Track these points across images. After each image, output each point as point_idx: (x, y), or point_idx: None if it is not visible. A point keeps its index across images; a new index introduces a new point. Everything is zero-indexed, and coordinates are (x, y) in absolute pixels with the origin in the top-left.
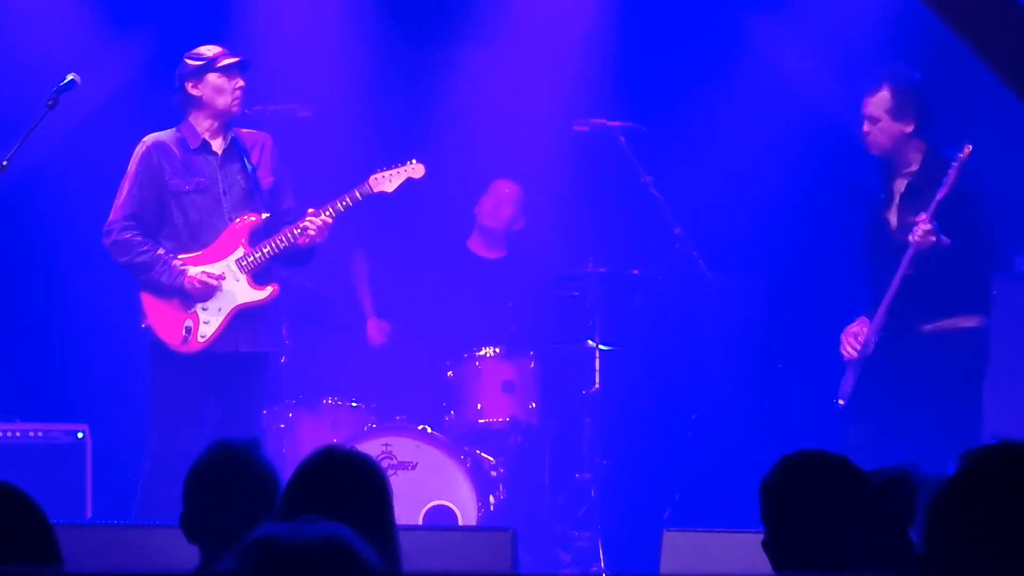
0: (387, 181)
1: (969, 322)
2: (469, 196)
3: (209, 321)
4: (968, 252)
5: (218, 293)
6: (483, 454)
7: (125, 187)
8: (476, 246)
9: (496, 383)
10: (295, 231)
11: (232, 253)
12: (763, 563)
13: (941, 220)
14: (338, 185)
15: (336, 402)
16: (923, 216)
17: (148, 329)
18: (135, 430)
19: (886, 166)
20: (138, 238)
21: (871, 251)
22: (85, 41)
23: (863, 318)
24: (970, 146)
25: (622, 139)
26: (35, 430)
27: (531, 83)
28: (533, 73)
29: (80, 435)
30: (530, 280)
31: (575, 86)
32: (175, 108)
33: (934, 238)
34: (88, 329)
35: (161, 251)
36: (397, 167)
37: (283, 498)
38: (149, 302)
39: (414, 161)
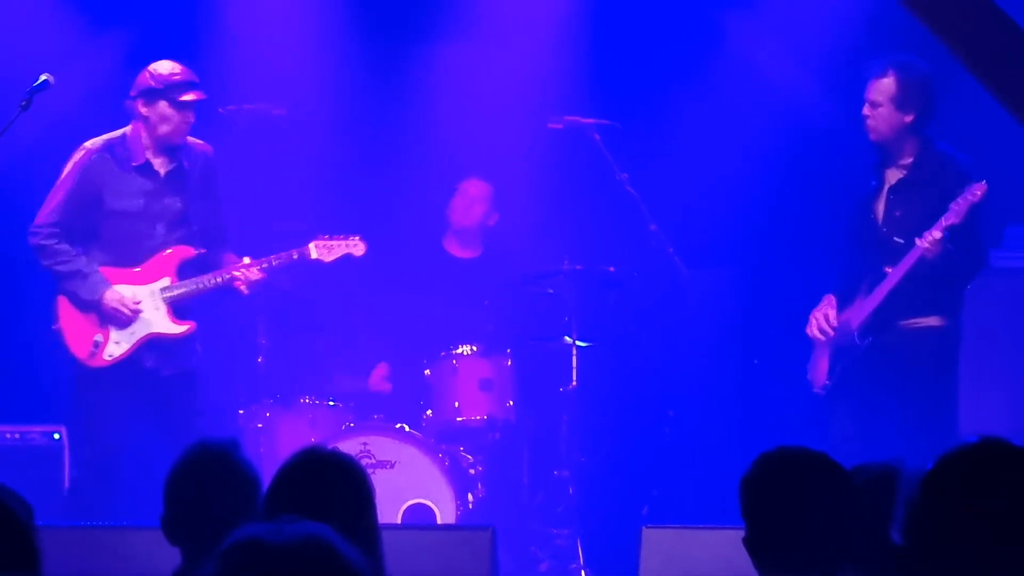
0: (326, 251)
1: (934, 321)
2: (444, 195)
3: (120, 342)
4: (952, 262)
5: (134, 319)
6: (461, 452)
7: (59, 193)
8: (451, 246)
9: (473, 381)
10: (225, 276)
11: (158, 280)
12: (743, 559)
13: (936, 216)
14: (311, 184)
15: (314, 401)
16: (936, 229)
17: (58, 333)
18: None
19: (880, 154)
20: (63, 246)
21: (852, 237)
22: (59, 41)
23: (830, 297)
24: (985, 184)
25: (597, 136)
26: (11, 431)
27: (505, 81)
28: (507, 70)
29: (57, 436)
30: (506, 278)
31: (549, 83)
32: (123, 111)
33: (943, 248)
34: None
35: (83, 263)
36: (339, 239)
37: (265, 499)
38: (65, 307)
39: (358, 239)
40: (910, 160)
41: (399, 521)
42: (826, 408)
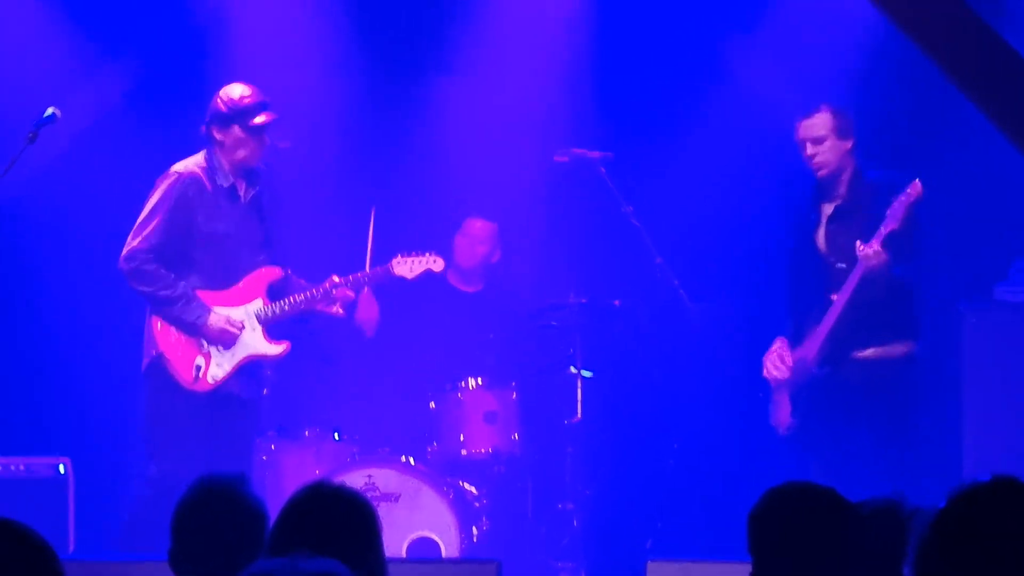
0: (407, 267)
1: (899, 349)
2: (448, 228)
3: (222, 364)
4: (903, 280)
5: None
6: (466, 485)
7: (155, 218)
8: (454, 280)
9: (478, 414)
10: (316, 293)
11: (251, 302)
12: None
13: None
14: (317, 216)
15: (319, 434)
16: (873, 242)
17: (156, 362)
18: (118, 462)
19: (816, 188)
20: (162, 271)
21: (797, 274)
22: (65, 73)
23: (781, 339)
24: (919, 183)
25: (602, 169)
26: (16, 463)
27: (510, 114)
28: (512, 104)
29: (62, 468)
30: (511, 311)
31: (554, 117)
32: (168, 135)
33: (884, 258)
34: (69, 362)
35: (183, 287)
36: (420, 255)
37: (272, 534)
38: (164, 335)
39: (435, 255)
40: (843, 189)
41: (403, 554)
42: (794, 447)
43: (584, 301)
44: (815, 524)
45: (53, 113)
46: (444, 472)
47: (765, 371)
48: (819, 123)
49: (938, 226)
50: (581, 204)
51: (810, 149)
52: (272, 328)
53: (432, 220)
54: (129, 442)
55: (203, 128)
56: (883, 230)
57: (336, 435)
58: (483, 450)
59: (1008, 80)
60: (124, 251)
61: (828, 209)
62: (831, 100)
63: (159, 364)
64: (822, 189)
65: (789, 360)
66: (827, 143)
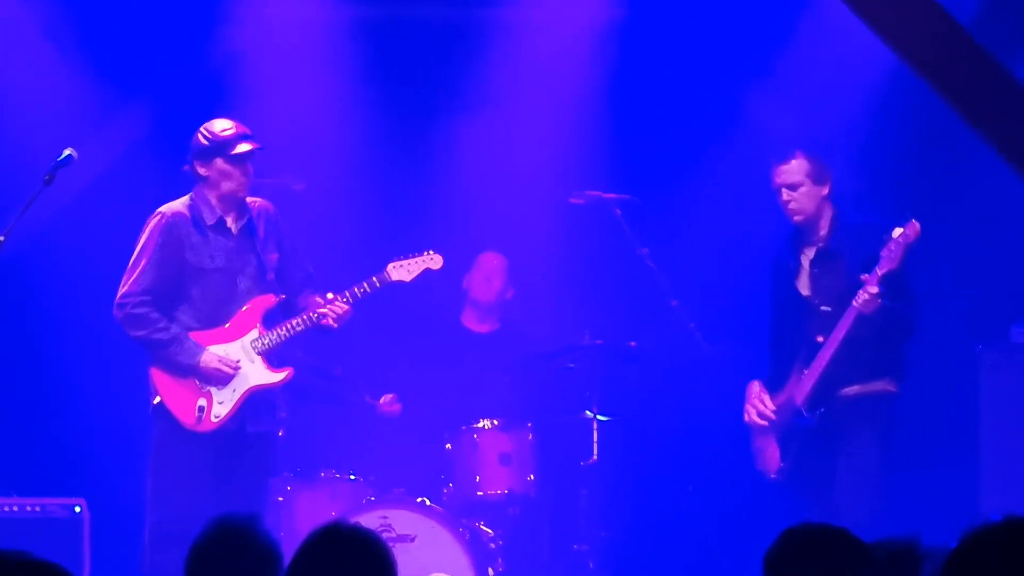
0: (405, 271)
1: (881, 386)
2: (463, 269)
3: (223, 401)
4: (894, 319)
5: (234, 376)
6: (482, 526)
7: (142, 260)
8: (469, 320)
9: (494, 455)
10: (312, 316)
11: (247, 334)
12: None
13: (858, 283)
14: (331, 257)
15: (334, 475)
16: (871, 282)
17: (160, 406)
18: (133, 505)
19: (795, 234)
20: (155, 314)
21: (780, 320)
22: (82, 116)
23: (758, 383)
24: (917, 224)
25: (618, 211)
26: (32, 504)
27: (526, 155)
28: (528, 145)
29: (77, 509)
30: (527, 352)
31: (570, 158)
32: (185, 177)
33: (880, 302)
34: (85, 403)
35: (176, 329)
36: (415, 256)
37: (288, 574)
38: (161, 379)
39: (432, 252)
40: (824, 233)
41: None
42: (786, 491)
43: (600, 343)
44: (830, 566)
45: (70, 155)
46: (460, 513)
47: (747, 417)
48: (794, 169)
49: (954, 268)
50: (597, 246)
51: (785, 195)
52: (274, 356)
53: (448, 259)
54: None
55: (186, 167)
56: (879, 271)
57: (352, 476)
58: (499, 491)
59: (1002, 100)
60: (116, 299)
61: (810, 253)
62: (803, 146)
63: (162, 410)
64: (801, 234)
65: (771, 404)
66: (802, 189)
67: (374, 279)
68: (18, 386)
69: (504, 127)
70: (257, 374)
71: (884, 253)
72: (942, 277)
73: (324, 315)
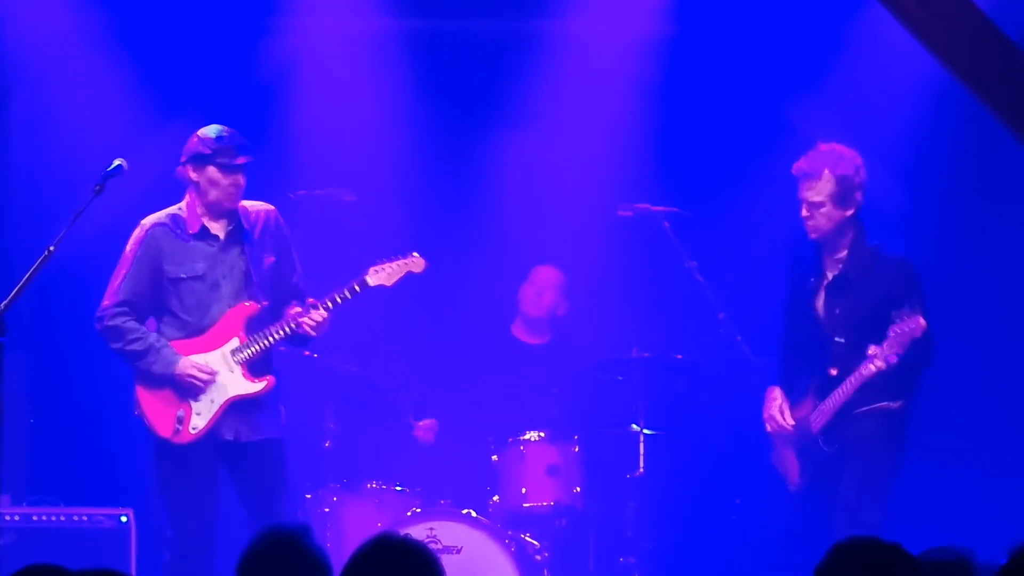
0: (385, 274)
1: (890, 405)
2: (513, 281)
3: (201, 412)
4: (904, 365)
5: (211, 385)
6: (528, 538)
7: (121, 272)
8: (520, 332)
9: (540, 467)
10: (291, 324)
11: (227, 343)
12: None
13: (884, 316)
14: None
15: (381, 486)
16: (878, 359)
17: (141, 418)
18: None
19: (818, 249)
20: (130, 324)
21: (796, 332)
22: (132, 126)
23: (776, 391)
24: (924, 321)
25: (666, 224)
26: (79, 514)
27: (575, 168)
28: (577, 158)
29: (124, 519)
30: (574, 365)
31: (619, 171)
32: (175, 181)
33: (885, 366)
34: (132, 412)
35: (153, 339)
36: (397, 259)
37: None
38: (142, 391)
39: (415, 254)
40: (844, 253)
41: None
42: (803, 505)
43: (647, 355)
44: None
45: (120, 165)
46: (506, 525)
47: (770, 425)
48: (818, 189)
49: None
50: (645, 258)
51: (805, 211)
52: (254, 365)
53: (497, 271)
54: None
55: (179, 168)
56: (888, 356)
57: (398, 487)
58: (545, 503)
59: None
60: (96, 312)
61: (828, 273)
62: (837, 163)
63: (146, 424)
64: (823, 248)
65: (791, 418)
66: (823, 209)
67: (354, 284)
68: (66, 395)
69: (553, 139)
70: (236, 384)
71: (892, 334)
72: (988, 290)
73: (303, 323)
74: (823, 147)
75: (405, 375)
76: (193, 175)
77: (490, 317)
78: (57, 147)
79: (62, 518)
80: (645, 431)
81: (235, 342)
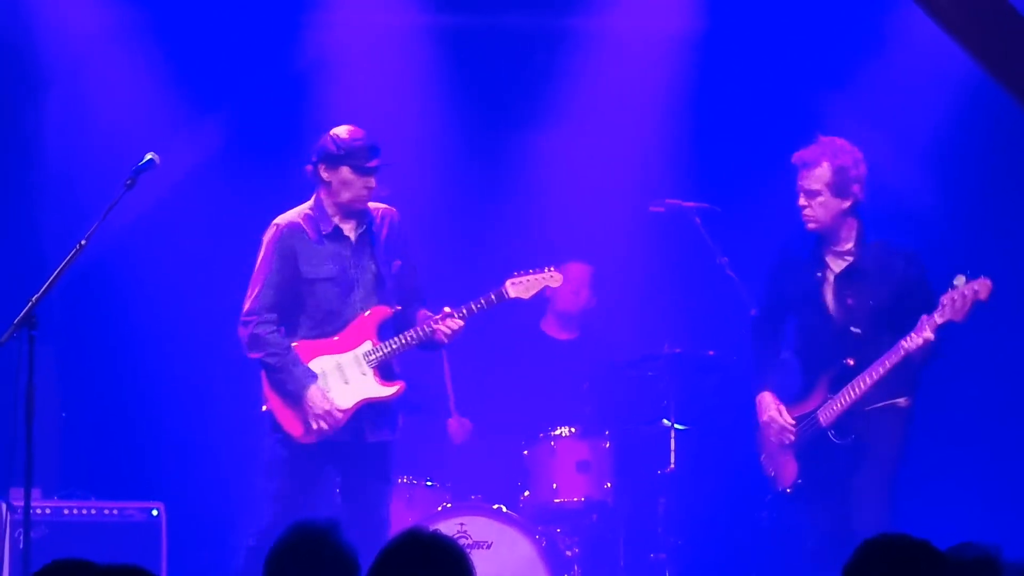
0: (523, 287)
1: (900, 402)
2: None
3: None
4: (939, 345)
5: (344, 386)
6: (558, 533)
7: (261, 276)
8: (550, 327)
9: (571, 463)
10: (426, 329)
11: (360, 345)
12: None
13: (900, 307)
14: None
15: (411, 481)
16: (928, 328)
17: (268, 414)
18: (211, 508)
19: (818, 242)
20: (274, 336)
21: (805, 330)
22: (165, 121)
23: (769, 396)
24: (989, 282)
25: (697, 220)
26: (110, 508)
27: (606, 164)
28: (608, 154)
29: (155, 513)
30: (606, 361)
31: (650, 167)
32: (269, 183)
33: (933, 336)
34: (164, 406)
35: (292, 356)
36: (534, 273)
37: None
38: (272, 392)
39: (552, 269)
40: (851, 245)
41: None
42: (800, 504)
43: (679, 351)
44: None
45: (152, 159)
46: (536, 520)
47: (775, 436)
48: (816, 176)
49: None
50: (676, 254)
51: (802, 200)
52: (386, 369)
53: (529, 267)
54: (223, 487)
55: (309, 167)
56: (939, 319)
57: (429, 482)
58: (576, 499)
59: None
60: (241, 315)
61: (836, 265)
62: (836, 153)
63: (270, 418)
64: (823, 242)
65: (790, 418)
66: (820, 199)
67: (492, 295)
68: (97, 390)
69: (584, 135)
70: (369, 387)
71: (946, 300)
72: (1019, 286)
73: (438, 330)
74: (823, 139)
75: (438, 370)
76: (325, 175)
77: (521, 313)
78: (91, 141)
79: (93, 512)
80: (676, 427)
81: (368, 345)
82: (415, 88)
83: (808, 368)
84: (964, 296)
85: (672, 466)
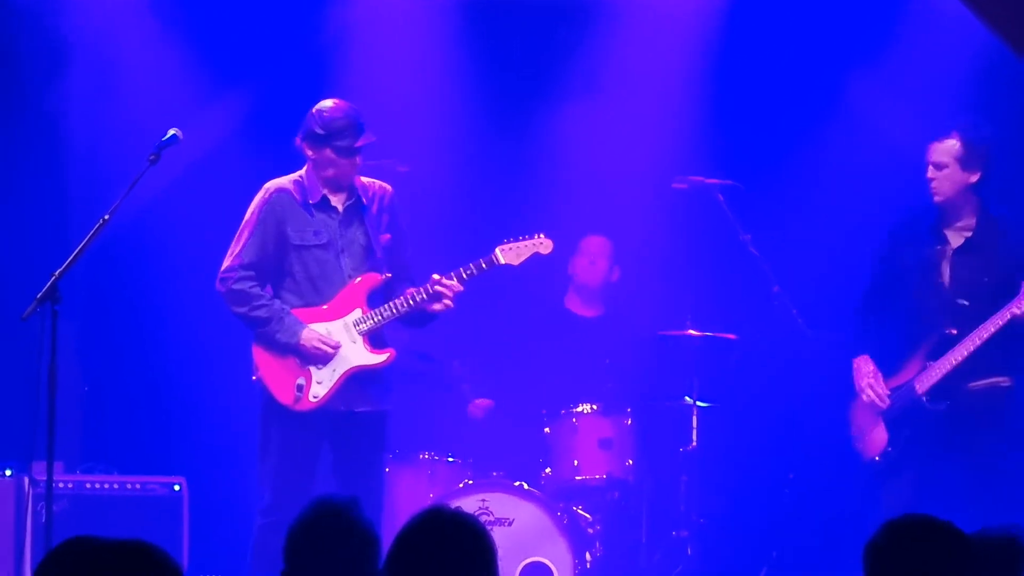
0: (513, 254)
1: (1005, 381)
2: (567, 254)
3: (322, 381)
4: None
5: (334, 355)
6: (580, 511)
7: (244, 233)
8: (573, 304)
9: (593, 440)
10: (420, 295)
11: (350, 313)
12: None
13: (1012, 283)
14: (434, 240)
15: (433, 457)
16: None
17: (259, 382)
18: (233, 483)
19: (939, 216)
20: (256, 289)
21: (917, 301)
22: (187, 96)
23: (866, 360)
24: None
25: (720, 197)
26: (132, 482)
27: (629, 141)
28: (631, 131)
29: (177, 487)
30: (628, 337)
31: (673, 144)
32: (290, 157)
33: None
34: (187, 381)
35: (278, 305)
36: (524, 239)
37: (389, 557)
38: (261, 356)
39: (542, 235)
40: (972, 221)
41: None
42: (887, 475)
43: (701, 329)
44: (932, 558)
45: (175, 135)
46: (558, 497)
47: (866, 396)
48: (945, 148)
49: None
50: (699, 232)
51: (930, 172)
52: (375, 337)
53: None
54: (245, 462)
55: (296, 140)
56: None
57: (450, 458)
58: (597, 476)
59: None
60: (219, 272)
61: (955, 240)
62: (966, 127)
63: (261, 387)
64: (944, 218)
65: (885, 387)
66: (947, 171)
67: (481, 261)
68: (119, 364)
69: (608, 111)
70: (358, 355)
71: None
72: None
73: (441, 294)
74: (959, 116)
75: (459, 347)
76: (309, 152)
77: (544, 289)
78: (115, 116)
79: (115, 486)
80: (698, 404)
81: (357, 313)
82: (438, 62)
83: (912, 340)
84: None
85: (694, 444)
